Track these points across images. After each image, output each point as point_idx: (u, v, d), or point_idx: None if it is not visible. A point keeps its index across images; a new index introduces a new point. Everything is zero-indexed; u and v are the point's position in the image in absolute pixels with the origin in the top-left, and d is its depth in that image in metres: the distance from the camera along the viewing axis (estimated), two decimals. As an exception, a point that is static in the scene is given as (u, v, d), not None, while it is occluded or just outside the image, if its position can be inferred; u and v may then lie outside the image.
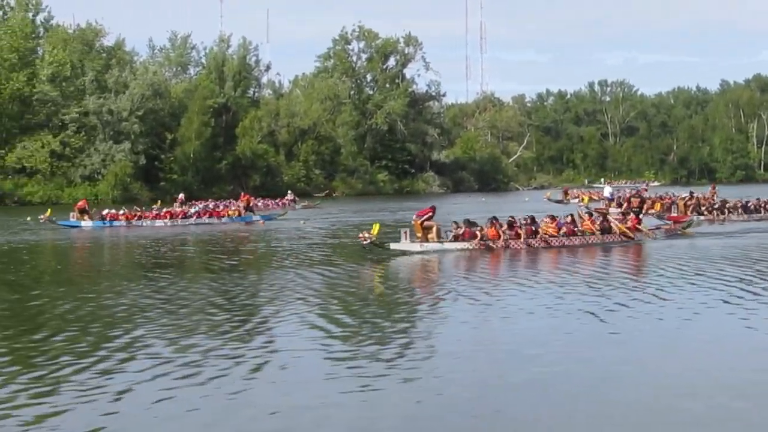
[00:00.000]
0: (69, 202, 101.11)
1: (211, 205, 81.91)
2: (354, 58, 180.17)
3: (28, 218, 69.32)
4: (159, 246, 48.60)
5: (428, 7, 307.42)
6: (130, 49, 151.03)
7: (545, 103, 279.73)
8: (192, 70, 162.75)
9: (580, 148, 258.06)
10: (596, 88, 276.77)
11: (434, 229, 41.69)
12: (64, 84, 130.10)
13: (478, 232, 41.42)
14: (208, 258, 42.06)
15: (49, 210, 70.43)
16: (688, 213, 60.66)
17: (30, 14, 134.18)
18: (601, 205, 68.50)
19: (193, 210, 74.72)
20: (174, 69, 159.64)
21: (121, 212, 70.50)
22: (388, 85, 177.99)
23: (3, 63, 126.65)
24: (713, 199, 68.67)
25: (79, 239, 55.96)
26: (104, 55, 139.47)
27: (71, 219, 67.53)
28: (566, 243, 42.36)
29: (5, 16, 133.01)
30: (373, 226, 40.74)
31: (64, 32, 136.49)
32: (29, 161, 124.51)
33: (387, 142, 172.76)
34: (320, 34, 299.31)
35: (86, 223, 67.23)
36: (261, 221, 70.99)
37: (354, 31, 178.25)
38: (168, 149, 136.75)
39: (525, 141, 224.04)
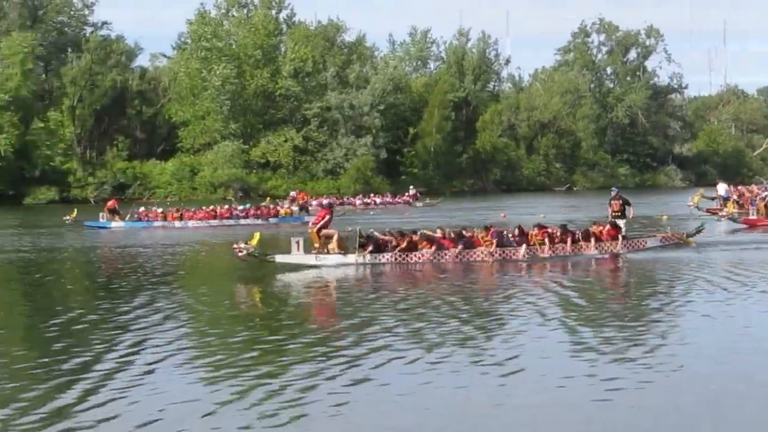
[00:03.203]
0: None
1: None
2: (594, 51, 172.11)
3: (66, 218, 62.35)
4: (172, 250, 41.64)
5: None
6: (371, 44, 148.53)
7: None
8: (432, 65, 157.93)
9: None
10: None
11: (334, 238, 32.63)
12: (306, 80, 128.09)
13: (391, 243, 32.85)
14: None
15: (74, 210, 65.23)
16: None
17: (273, 12, 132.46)
18: (715, 205, 59.95)
19: (240, 208, 66.22)
20: (414, 63, 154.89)
21: (160, 210, 63.84)
22: (628, 78, 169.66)
23: (247, 60, 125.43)
24: None
25: (98, 242, 48.60)
26: (345, 50, 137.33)
27: (101, 219, 60.95)
28: (503, 256, 32.98)
29: (249, 14, 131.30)
30: (254, 235, 32.20)
31: (306, 29, 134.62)
32: (273, 155, 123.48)
33: (628, 135, 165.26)
34: (560, 27, 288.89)
35: (117, 223, 60.59)
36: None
37: (594, 23, 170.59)
38: (409, 143, 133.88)
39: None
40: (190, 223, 60.79)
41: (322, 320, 21.84)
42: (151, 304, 23.57)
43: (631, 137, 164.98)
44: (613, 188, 39.66)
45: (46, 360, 16.62)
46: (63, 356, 16.89)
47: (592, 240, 34.14)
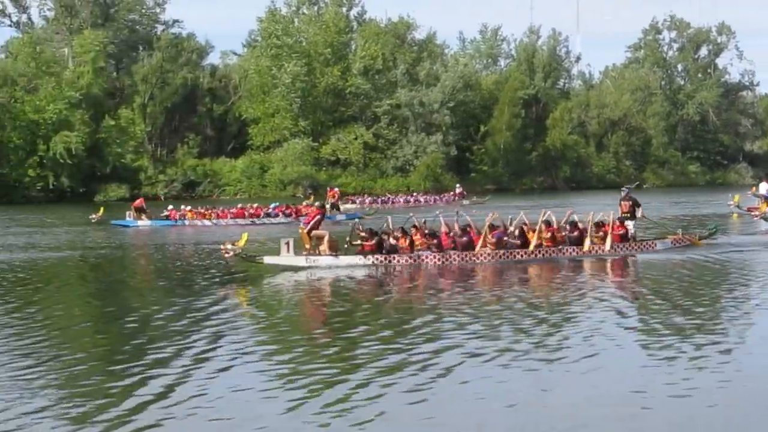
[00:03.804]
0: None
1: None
2: (665, 48, 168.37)
3: (92, 216, 60.34)
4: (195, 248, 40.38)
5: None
6: (441, 41, 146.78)
7: None
8: (502, 62, 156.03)
9: None
10: None
11: (326, 239, 30.89)
12: (376, 77, 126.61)
13: (385, 243, 31.10)
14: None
15: (101, 209, 63.20)
16: None
17: (344, 9, 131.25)
18: (757, 204, 55.91)
19: (271, 206, 63.69)
20: (484, 61, 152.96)
21: (188, 209, 61.70)
22: (699, 75, 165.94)
23: (318, 57, 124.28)
24: None
25: (123, 240, 46.96)
26: (415, 48, 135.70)
27: (127, 218, 59.13)
28: (508, 257, 31.21)
29: (320, 12, 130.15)
30: (242, 235, 30.64)
31: (377, 26, 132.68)
32: (343, 153, 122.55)
33: (698, 132, 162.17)
34: (630, 24, 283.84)
35: (143, 222, 58.80)
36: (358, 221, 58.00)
37: (665, 20, 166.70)
38: (479, 141, 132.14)
39: None
40: (221, 222, 58.86)
41: (390, 319, 20.54)
42: (208, 303, 22.80)
43: (702, 135, 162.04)
44: (623, 188, 37.54)
45: (122, 357, 16.46)
46: (136, 353, 16.69)
47: (588, 240, 32.21)
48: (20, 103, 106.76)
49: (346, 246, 31.66)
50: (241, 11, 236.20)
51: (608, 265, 30.69)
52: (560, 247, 32.14)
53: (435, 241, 31.30)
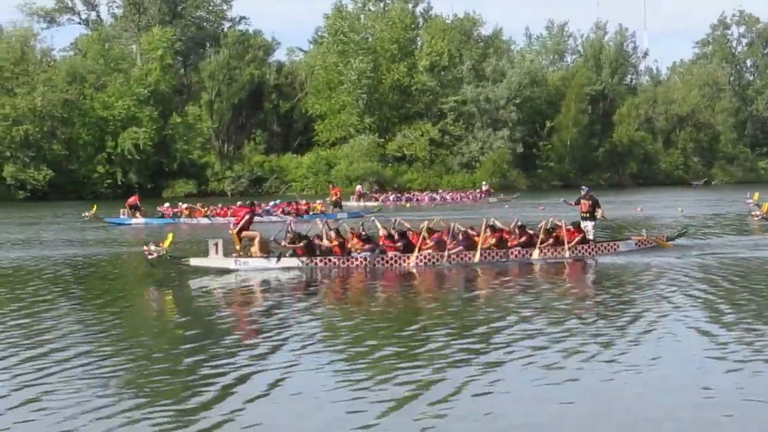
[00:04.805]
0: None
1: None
2: (734, 44, 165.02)
3: (84, 214, 57.72)
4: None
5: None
6: (507, 38, 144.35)
7: None
8: (569, 58, 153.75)
9: None
10: None
11: (257, 240, 28.88)
12: (442, 73, 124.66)
13: (320, 245, 29.38)
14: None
15: (94, 206, 60.36)
16: None
17: (410, 5, 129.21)
18: None
19: (271, 204, 61.04)
20: (551, 57, 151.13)
21: (185, 206, 58.97)
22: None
23: (384, 54, 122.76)
24: None
25: (115, 237, 44.55)
26: (481, 44, 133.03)
27: (121, 216, 56.81)
28: (449, 260, 29.09)
29: (386, 8, 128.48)
30: (167, 236, 28.88)
31: (443, 22, 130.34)
32: (409, 149, 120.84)
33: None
34: (698, 19, 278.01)
35: (137, 220, 56.49)
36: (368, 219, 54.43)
37: (734, 15, 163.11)
38: (545, 137, 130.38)
39: None
40: (218, 219, 55.88)
41: (447, 319, 19.34)
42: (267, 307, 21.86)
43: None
44: (583, 187, 35.51)
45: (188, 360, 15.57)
46: (198, 357, 15.76)
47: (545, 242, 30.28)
48: (89, 99, 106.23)
49: (282, 244, 29.49)
50: (307, 8, 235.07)
51: (564, 268, 28.63)
52: (510, 250, 29.88)
53: (370, 245, 29.41)
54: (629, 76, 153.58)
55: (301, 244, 28.88)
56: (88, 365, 14.87)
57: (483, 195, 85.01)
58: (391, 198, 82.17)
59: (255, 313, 21.13)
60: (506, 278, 26.13)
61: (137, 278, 28.00)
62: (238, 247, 28.66)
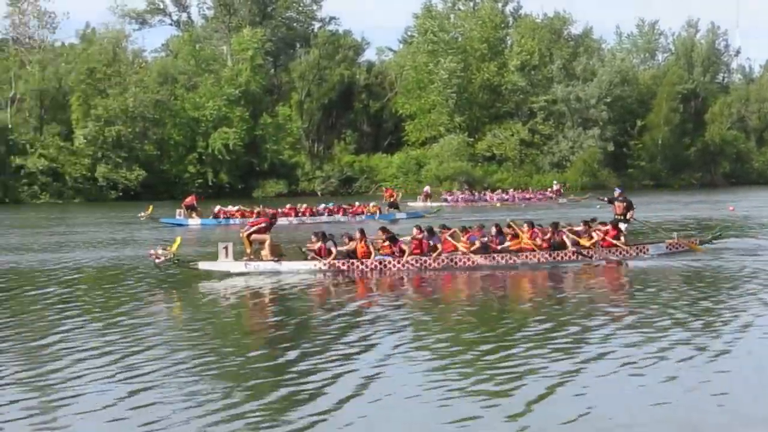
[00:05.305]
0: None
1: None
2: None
3: (140, 215, 55.53)
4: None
5: None
6: (598, 36, 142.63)
7: None
8: (660, 57, 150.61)
9: None
10: None
11: (267, 243, 27.77)
12: (532, 72, 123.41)
13: (333, 249, 27.63)
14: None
15: (150, 206, 57.91)
16: None
17: (499, 4, 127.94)
18: None
19: (321, 206, 58.66)
20: (641, 55, 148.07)
21: (236, 209, 56.74)
22: None
23: (474, 53, 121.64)
24: None
25: (160, 238, 41.83)
26: (572, 43, 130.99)
27: (178, 216, 55.27)
28: (481, 263, 27.83)
29: (476, 8, 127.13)
30: (174, 240, 27.95)
31: (533, 21, 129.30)
32: (499, 149, 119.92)
33: None
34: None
35: (194, 221, 54.88)
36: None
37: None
38: (636, 136, 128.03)
39: None
40: None
41: (530, 316, 19.27)
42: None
43: None
44: (616, 188, 35.32)
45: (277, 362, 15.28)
46: (277, 356, 15.66)
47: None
48: (180, 100, 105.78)
49: (304, 250, 28.38)
50: (397, 8, 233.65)
51: (594, 271, 27.32)
52: (530, 252, 28.45)
53: (396, 247, 28.09)
54: (721, 75, 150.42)
55: (317, 246, 27.78)
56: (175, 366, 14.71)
57: (554, 195, 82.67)
58: (459, 198, 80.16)
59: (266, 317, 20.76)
60: (549, 282, 25.37)
61: (183, 281, 26.53)
62: (248, 251, 27.95)
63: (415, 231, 28.51)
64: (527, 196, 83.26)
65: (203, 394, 12.96)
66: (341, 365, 14.62)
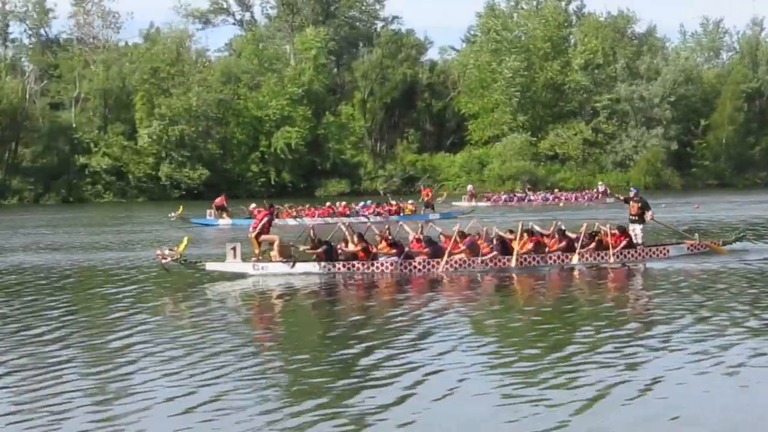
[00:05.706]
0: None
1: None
2: None
3: (170, 215, 54.39)
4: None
5: None
6: (662, 35, 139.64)
7: None
8: (724, 55, 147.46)
9: None
10: None
11: (276, 244, 27.17)
12: (596, 71, 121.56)
13: (344, 250, 27.63)
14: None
15: (180, 207, 57.08)
16: None
17: (563, 3, 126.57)
18: None
19: (360, 205, 57.90)
20: (706, 54, 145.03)
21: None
22: None
23: (537, 52, 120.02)
24: None
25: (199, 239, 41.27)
26: (635, 41, 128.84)
27: (208, 217, 54.94)
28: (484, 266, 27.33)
29: (539, 6, 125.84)
30: (182, 240, 27.59)
31: (596, 20, 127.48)
32: (562, 148, 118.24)
33: None
34: None
35: (224, 221, 54.28)
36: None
37: None
38: (700, 135, 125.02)
39: None
40: (306, 220, 52.08)
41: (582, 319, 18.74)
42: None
43: None
44: (632, 188, 34.20)
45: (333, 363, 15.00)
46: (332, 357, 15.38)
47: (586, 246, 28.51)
48: (243, 99, 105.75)
49: (302, 249, 27.86)
50: (459, 7, 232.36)
51: (611, 274, 26.57)
52: (548, 255, 28.09)
53: (397, 249, 27.54)
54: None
55: (320, 249, 27.24)
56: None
57: (600, 195, 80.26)
58: (502, 198, 78.65)
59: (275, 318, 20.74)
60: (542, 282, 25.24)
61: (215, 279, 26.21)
62: (257, 251, 27.37)
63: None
64: (572, 196, 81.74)
65: (266, 390, 13.08)
66: (397, 363, 14.51)
